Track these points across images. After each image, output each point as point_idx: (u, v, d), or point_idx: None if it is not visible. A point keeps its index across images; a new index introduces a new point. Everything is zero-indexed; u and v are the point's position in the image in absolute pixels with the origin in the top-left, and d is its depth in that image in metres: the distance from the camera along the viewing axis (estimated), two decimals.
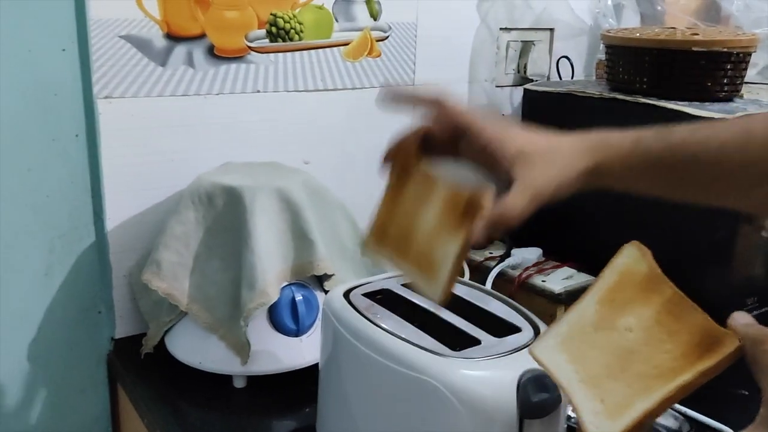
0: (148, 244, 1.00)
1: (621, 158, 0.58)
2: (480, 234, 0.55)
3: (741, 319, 0.46)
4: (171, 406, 0.91)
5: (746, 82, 1.12)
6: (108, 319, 1.06)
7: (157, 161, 1.02)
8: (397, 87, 1.21)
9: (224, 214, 0.93)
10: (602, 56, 1.33)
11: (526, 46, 1.35)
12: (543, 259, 1.15)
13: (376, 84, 1.19)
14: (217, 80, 1.05)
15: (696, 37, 1.05)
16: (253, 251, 0.89)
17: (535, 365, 0.55)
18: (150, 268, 0.94)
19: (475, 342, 0.67)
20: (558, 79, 1.39)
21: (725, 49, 1.03)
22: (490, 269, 1.11)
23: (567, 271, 1.10)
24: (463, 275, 0.56)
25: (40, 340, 1.02)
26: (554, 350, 0.52)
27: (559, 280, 1.06)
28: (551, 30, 1.38)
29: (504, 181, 0.58)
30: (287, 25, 1.08)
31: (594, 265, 0.63)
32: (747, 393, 0.67)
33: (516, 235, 1.27)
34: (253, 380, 0.93)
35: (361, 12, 1.15)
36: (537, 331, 0.70)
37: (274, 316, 0.91)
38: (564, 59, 1.39)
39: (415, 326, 0.69)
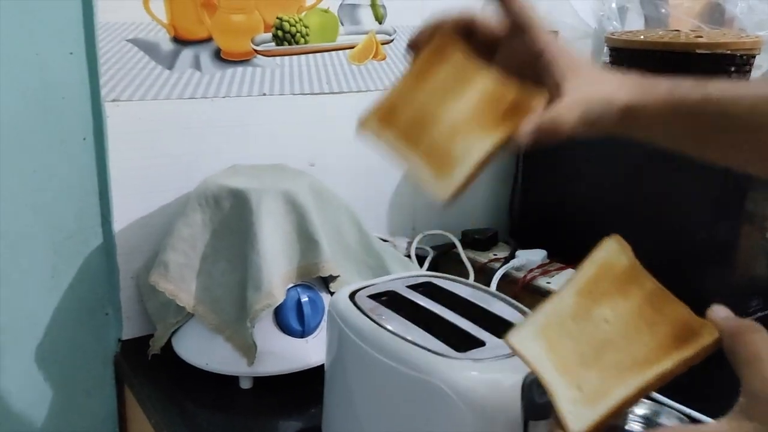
0: (155, 246, 1.01)
1: (657, 102, 0.55)
2: (528, 136, 0.52)
3: (720, 312, 0.46)
4: (178, 407, 0.91)
5: None
6: (115, 320, 1.06)
7: (164, 164, 1.03)
8: None
9: (231, 217, 0.94)
10: (606, 59, 1.33)
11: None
12: (547, 260, 1.15)
13: (381, 87, 1.19)
14: (223, 83, 1.05)
15: (700, 40, 1.05)
16: (259, 253, 0.90)
17: None
18: (157, 270, 0.94)
19: (480, 343, 0.67)
20: None
21: (729, 52, 1.03)
22: (494, 271, 1.11)
23: (571, 272, 1.10)
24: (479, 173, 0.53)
25: (48, 341, 1.03)
26: (531, 339, 0.52)
27: (563, 281, 1.07)
28: (555, 32, 1.38)
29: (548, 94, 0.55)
30: (293, 29, 1.09)
31: None
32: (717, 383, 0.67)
33: (520, 236, 1.27)
34: (260, 381, 0.94)
35: (366, 15, 1.16)
36: None
37: (280, 317, 0.92)
38: None
39: (419, 328, 0.70)
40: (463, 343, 0.67)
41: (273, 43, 1.08)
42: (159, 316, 1.00)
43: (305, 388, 0.92)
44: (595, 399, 0.47)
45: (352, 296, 0.76)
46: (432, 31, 0.57)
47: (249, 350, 0.90)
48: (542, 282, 1.07)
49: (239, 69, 1.06)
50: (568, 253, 1.14)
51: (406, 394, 0.66)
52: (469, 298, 0.77)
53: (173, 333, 0.98)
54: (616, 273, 0.52)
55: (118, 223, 1.01)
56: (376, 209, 1.26)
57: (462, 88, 0.56)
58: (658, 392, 0.78)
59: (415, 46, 0.58)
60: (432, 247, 1.26)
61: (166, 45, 1.00)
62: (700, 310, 0.48)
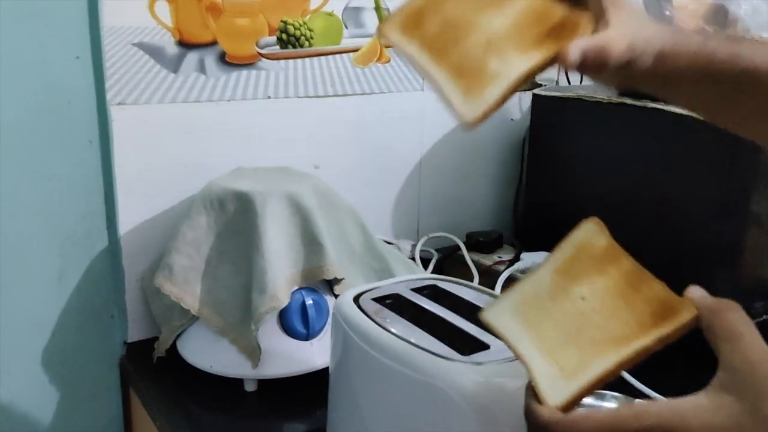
0: (161, 248, 1.01)
1: (689, 53, 0.54)
2: (576, 59, 0.49)
3: (697, 291, 0.46)
4: (183, 410, 0.92)
5: None
6: (120, 323, 1.07)
7: (170, 167, 1.03)
8: None
9: (235, 219, 0.94)
10: None
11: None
12: None
13: (385, 90, 1.20)
14: (228, 86, 1.06)
15: None
16: (263, 256, 0.90)
17: None
18: (162, 273, 0.95)
19: (484, 347, 0.67)
20: (567, 84, 1.39)
21: None
22: (499, 273, 1.11)
23: None
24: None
25: (53, 344, 1.03)
26: (507, 316, 0.51)
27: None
28: None
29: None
30: (297, 32, 1.09)
31: None
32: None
33: (525, 238, 1.27)
34: (264, 384, 0.94)
35: (370, 19, 1.16)
36: None
37: (284, 320, 0.92)
38: None
39: (424, 331, 0.70)
40: (467, 346, 0.67)
41: (277, 47, 1.08)
42: (164, 319, 1.00)
43: (310, 390, 0.92)
44: (572, 373, 0.47)
45: (356, 299, 0.76)
46: None
47: (253, 353, 0.90)
48: None
49: (244, 72, 1.07)
50: None
51: (410, 397, 0.66)
52: (473, 301, 0.77)
53: (178, 336, 0.98)
54: (593, 253, 0.52)
55: (124, 225, 1.01)
56: (380, 212, 1.26)
57: (501, 2, 0.52)
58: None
59: None
60: (436, 250, 1.26)
61: (172, 49, 1.00)
62: None
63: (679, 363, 0.69)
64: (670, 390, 0.44)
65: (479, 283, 1.00)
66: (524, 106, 1.37)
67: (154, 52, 0.99)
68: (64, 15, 0.94)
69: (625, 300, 0.48)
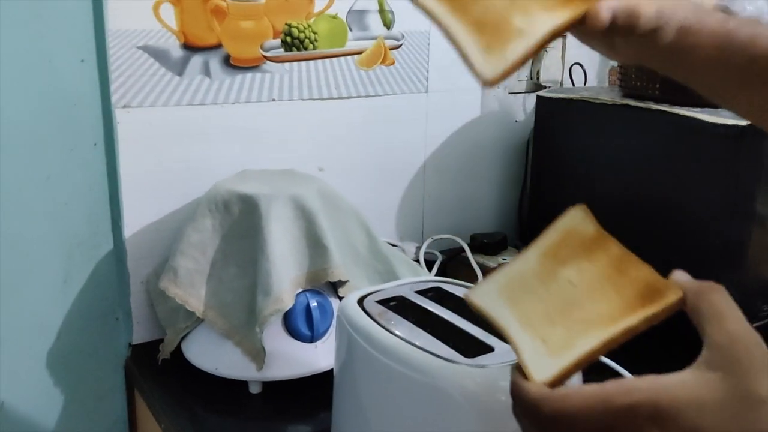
0: (166, 251, 1.01)
1: (709, 30, 0.54)
2: (606, 17, 0.48)
3: (682, 275, 0.47)
4: (188, 412, 0.92)
5: None
6: (125, 325, 1.07)
7: (175, 169, 1.04)
8: None
9: (240, 222, 0.94)
10: (615, 63, 1.33)
11: (538, 53, 1.36)
12: None
13: (389, 92, 1.20)
14: (233, 89, 1.06)
15: None
16: (268, 258, 0.90)
17: None
18: (167, 275, 0.95)
19: (489, 349, 0.67)
20: (571, 86, 1.39)
21: None
22: None
23: None
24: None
25: (59, 346, 1.04)
26: (493, 296, 0.51)
27: None
28: (564, 36, 1.39)
29: None
30: (302, 35, 1.09)
31: None
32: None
33: (530, 240, 1.27)
34: (269, 386, 0.94)
35: (374, 21, 1.16)
36: None
37: (289, 322, 0.92)
38: (577, 66, 1.39)
39: (428, 333, 0.70)
40: (471, 348, 0.67)
41: (282, 49, 1.09)
42: (169, 321, 1.00)
43: (314, 392, 0.92)
44: (559, 351, 0.46)
45: (360, 301, 0.76)
46: None
47: (258, 355, 0.90)
48: None
49: (248, 75, 1.07)
50: None
51: (415, 399, 0.66)
52: None
53: (183, 338, 0.98)
54: (581, 239, 0.52)
55: (129, 228, 1.02)
56: (385, 214, 1.26)
57: None
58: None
59: None
60: (441, 252, 1.26)
61: (176, 51, 1.01)
62: None
63: (655, 349, 0.70)
64: (646, 372, 0.44)
65: None
66: (528, 108, 1.37)
67: (159, 55, 0.99)
68: (70, 18, 0.94)
69: (612, 282, 0.48)
